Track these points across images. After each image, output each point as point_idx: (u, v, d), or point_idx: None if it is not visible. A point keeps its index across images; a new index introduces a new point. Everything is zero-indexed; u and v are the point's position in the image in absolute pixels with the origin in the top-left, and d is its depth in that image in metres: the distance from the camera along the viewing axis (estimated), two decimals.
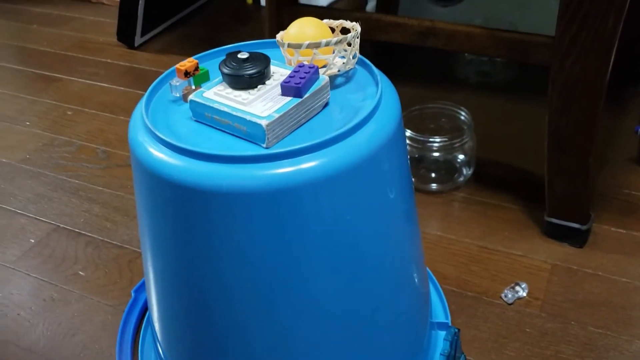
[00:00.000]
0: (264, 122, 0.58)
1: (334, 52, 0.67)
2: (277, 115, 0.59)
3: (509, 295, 0.93)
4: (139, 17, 1.79)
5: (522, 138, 1.27)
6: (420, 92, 1.43)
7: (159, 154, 0.59)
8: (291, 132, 0.61)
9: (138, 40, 1.82)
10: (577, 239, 1.01)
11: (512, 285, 0.94)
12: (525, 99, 1.40)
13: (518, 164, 1.21)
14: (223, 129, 0.62)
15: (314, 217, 0.59)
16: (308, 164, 0.57)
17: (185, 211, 0.60)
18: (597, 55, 0.85)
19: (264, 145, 0.59)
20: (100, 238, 1.10)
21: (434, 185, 1.16)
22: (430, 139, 1.13)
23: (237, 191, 0.57)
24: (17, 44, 1.90)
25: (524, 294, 0.93)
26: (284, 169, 0.57)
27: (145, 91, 0.67)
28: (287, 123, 0.60)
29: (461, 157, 1.17)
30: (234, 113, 0.60)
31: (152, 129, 0.61)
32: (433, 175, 1.17)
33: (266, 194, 0.57)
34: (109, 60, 1.76)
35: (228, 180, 0.57)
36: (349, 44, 0.68)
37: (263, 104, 0.61)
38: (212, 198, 0.58)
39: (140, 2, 1.78)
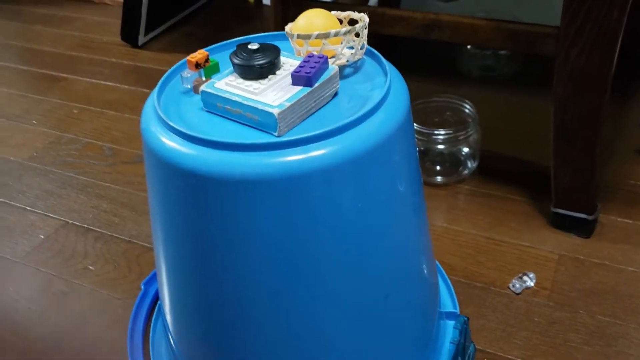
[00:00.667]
0: (275, 111, 0.58)
1: (342, 43, 0.67)
2: (288, 104, 0.59)
3: (517, 285, 0.93)
4: (142, 17, 1.80)
5: (526, 131, 1.28)
6: (424, 86, 1.44)
7: (171, 144, 0.60)
8: (302, 121, 0.62)
9: (142, 39, 1.83)
10: (584, 229, 1.01)
11: (520, 275, 0.95)
12: (528, 93, 1.40)
13: (522, 156, 1.22)
14: (234, 119, 0.63)
15: (324, 204, 0.60)
16: (319, 152, 0.58)
17: (197, 199, 0.60)
18: (602, 47, 0.85)
19: (276, 134, 0.59)
20: (109, 233, 1.11)
21: (438, 178, 1.17)
22: (435, 132, 1.13)
23: (250, 178, 0.57)
24: (22, 44, 1.91)
25: (532, 284, 0.94)
26: (295, 157, 0.57)
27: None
28: (298, 112, 0.61)
29: (466, 149, 1.18)
30: (246, 102, 0.60)
31: (165, 119, 0.61)
32: (438, 168, 1.17)
33: (278, 181, 0.58)
34: (113, 60, 1.76)
35: (241, 167, 0.57)
36: (357, 35, 0.69)
37: (274, 93, 0.61)
38: (224, 186, 0.58)
39: (143, 1, 1.79)
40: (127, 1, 1.81)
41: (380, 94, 0.63)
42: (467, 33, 0.97)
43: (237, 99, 0.61)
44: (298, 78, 0.61)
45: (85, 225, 1.13)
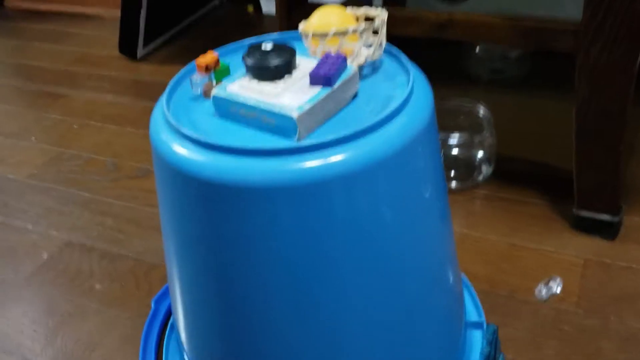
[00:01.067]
0: (295, 114, 0.55)
1: (360, 41, 0.64)
2: (308, 107, 0.56)
3: (543, 292, 0.90)
4: (140, 29, 1.77)
5: (540, 133, 1.24)
6: (435, 90, 1.40)
7: (184, 151, 0.56)
8: (321, 125, 0.58)
9: (140, 52, 1.80)
10: (609, 231, 0.98)
11: (546, 281, 0.91)
12: (539, 94, 1.37)
13: (538, 158, 1.18)
14: (249, 124, 0.59)
15: (345, 211, 0.56)
16: (339, 157, 0.54)
17: (212, 208, 0.57)
18: (625, 41, 0.82)
19: (295, 138, 0.56)
20: (115, 250, 1.07)
21: (453, 183, 1.13)
22: (450, 136, 1.10)
23: (267, 186, 0.54)
24: (19, 61, 1.88)
25: (558, 290, 0.90)
26: (315, 162, 0.54)
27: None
28: (317, 114, 0.57)
29: (480, 154, 1.14)
30: (262, 106, 0.57)
31: (176, 126, 0.58)
32: (452, 173, 1.14)
33: (297, 188, 0.54)
34: (112, 73, 1.73)
35: (258, 174, 0.54)
36: (375, 32, 0.65)
37: (291, 95, 0.58)
38: (240, 194, 0.54)
39: (141, 13, 1.76)
40: (124, 14, 1.78)
41: (403, 95, 0.59)
42: (482, 31, 0.93)
43: (252, 102, 0.57)
44: (317, 78, 0.58)
45: (90, 243, 1.09)
